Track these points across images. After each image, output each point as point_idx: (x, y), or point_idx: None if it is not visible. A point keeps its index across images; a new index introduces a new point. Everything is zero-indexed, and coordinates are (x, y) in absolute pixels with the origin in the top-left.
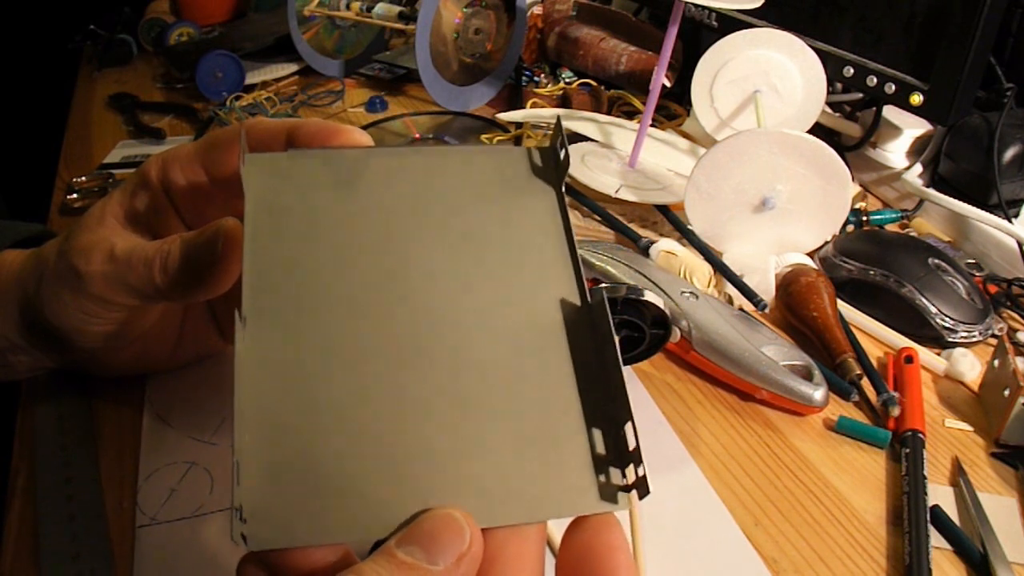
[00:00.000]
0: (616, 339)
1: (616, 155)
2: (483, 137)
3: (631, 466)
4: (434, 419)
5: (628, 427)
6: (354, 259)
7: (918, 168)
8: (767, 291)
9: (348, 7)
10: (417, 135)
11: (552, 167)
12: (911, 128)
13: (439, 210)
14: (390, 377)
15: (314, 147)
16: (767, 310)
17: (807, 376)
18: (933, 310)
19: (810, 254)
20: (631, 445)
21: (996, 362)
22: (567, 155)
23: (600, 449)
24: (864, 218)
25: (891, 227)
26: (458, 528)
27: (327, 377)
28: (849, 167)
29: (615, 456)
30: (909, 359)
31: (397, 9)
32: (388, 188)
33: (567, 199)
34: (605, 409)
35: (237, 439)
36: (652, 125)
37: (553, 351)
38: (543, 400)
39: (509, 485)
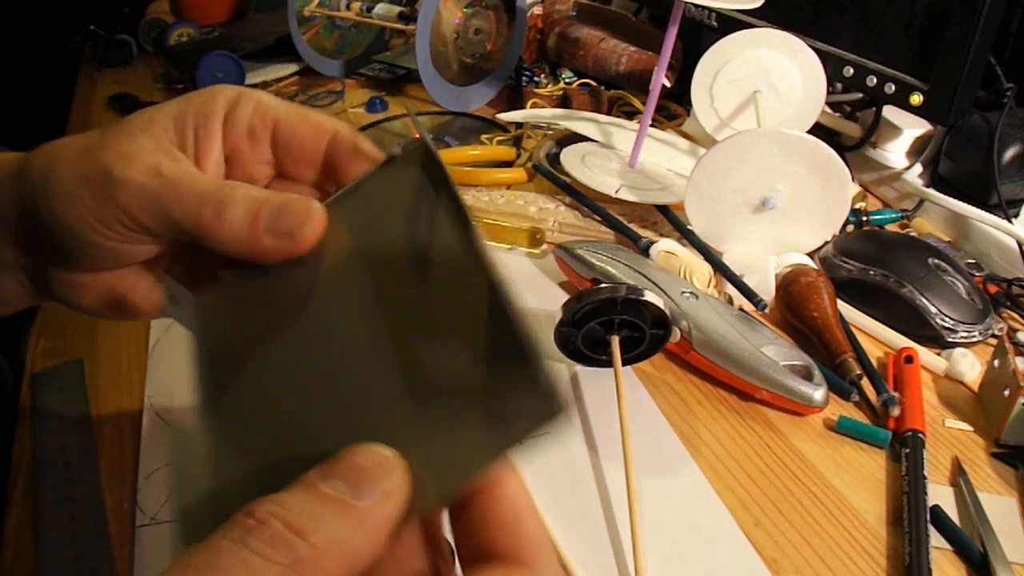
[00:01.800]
0: (473, 227)
1: (616, 155)
2: (483, 137)
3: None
4: (337, 418)
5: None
6: (278, 348)
7: (918, 168)
8: (767, 291)
9: (348, 7)
10: (417, 135)
11: (427, 166)
12: (911, 128)
13: (355, 277)
14: (297, 404)
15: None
16: (767, 310)
17: (807, 376)
18: (933, 310)
19: (810, 254)
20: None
21: (996, 362)
22: (430, 148)
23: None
24: (864, 218)
25: (891, 227)
26: (387, 464)
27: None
28: (849, 167)
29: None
30: (909, 359)
31: (397, 9)
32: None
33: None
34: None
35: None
36: (652, 125)
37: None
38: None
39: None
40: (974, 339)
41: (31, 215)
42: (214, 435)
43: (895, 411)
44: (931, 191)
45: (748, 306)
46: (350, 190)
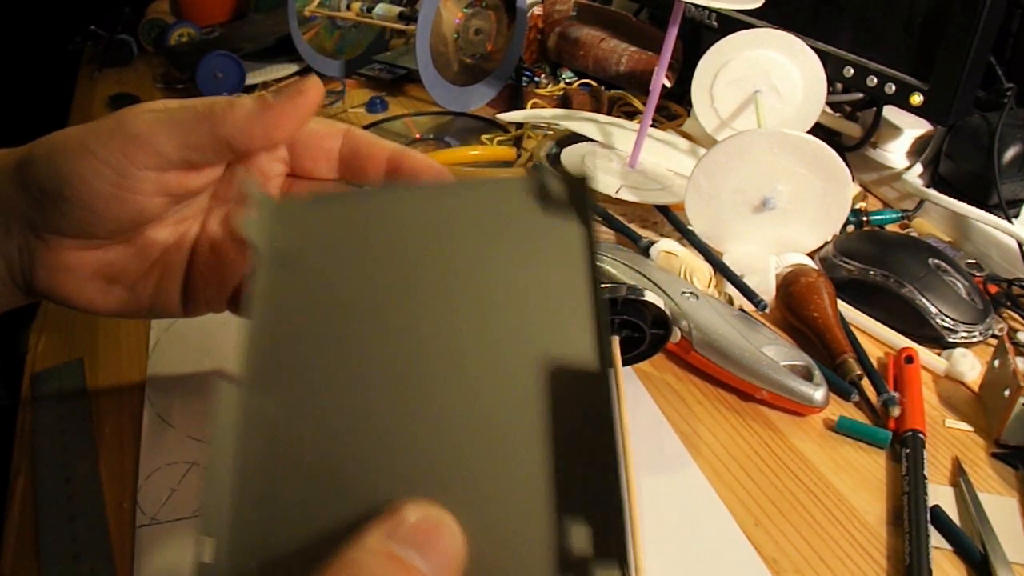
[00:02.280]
0: (616, 414)
1: (616, 155)
2: (484, 137)
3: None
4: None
5: (618, 518)
6: (361, 327)
7: (918, 168)
8: (767, 291)
9: (348, 7)
10: (417, 135)
11: (580, 200)
12: (911, 128)
13: (453, 262)
14: (375, 444)
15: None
16: (767, 310)
17: (807, 376)
18: (933, 310)
19: (810, 254)
20: (618, 542)
21: (996, 362)
22: (590, 187)
23: (571, 543)
24: (864, 218)
25: (891, 227)
26: (450, 528)
27: (312, 443)
28: (849, 167)
29: (591, 552)
30: (909, 359)
31: (397, 9)
32: (401, 241)
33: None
34: (588, 495)
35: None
36: (652, 125)
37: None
38: (516, 480)
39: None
40: (974, 339)
41: (32, 182)
42: (255, 430)
43: (895, 411)
44: (931, 191)
45: (748, 306)
46: (457, 184)
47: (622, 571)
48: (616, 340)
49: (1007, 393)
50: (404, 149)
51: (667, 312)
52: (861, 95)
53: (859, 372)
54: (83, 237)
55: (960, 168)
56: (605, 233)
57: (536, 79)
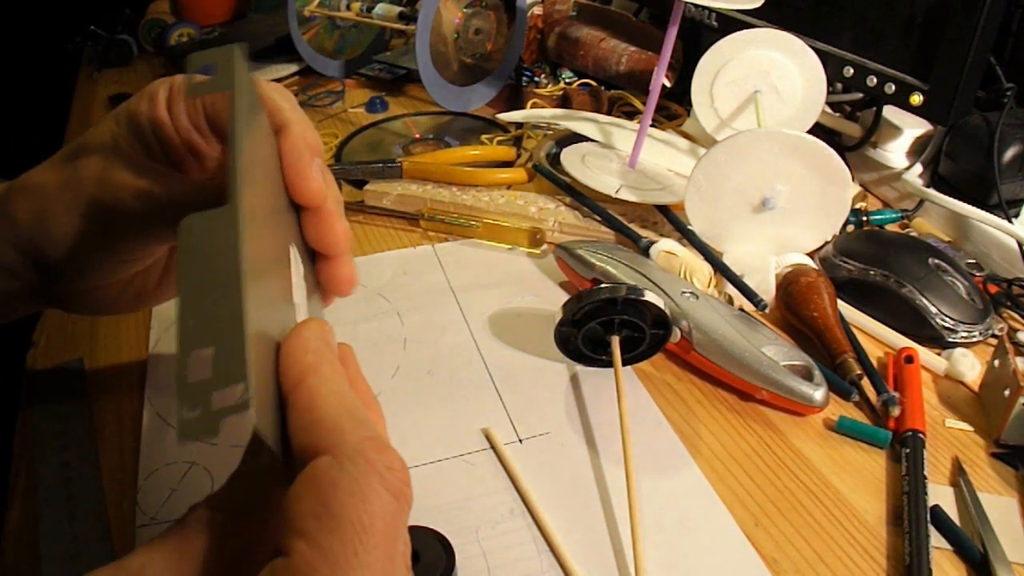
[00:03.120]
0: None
1: (616, 155)
2: (484, 137)
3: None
4: None
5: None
6: None
7: (918, 168)
8: (767, 291)
9: (348, 7)
10: (417, 135)
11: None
12: (911, 128)
13: None
14: None
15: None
16: (767, 310)
17: (807, 376)
18: (933, 310)
19: (810, 254)
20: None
21: (996, 362)
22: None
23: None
24: (864, 218)
25: (891, 227)
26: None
27: None
28: (849, 167)
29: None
30: (909, 359)
31: (397, 9)
32: None
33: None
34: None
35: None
36: (652, 125)
37: None
38: None
39: None
40: (974, 339)
41: (38, 259)
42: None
43: (895, 411)
44: (931, 191)
45: (748, 306)
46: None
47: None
48: (616, 340)
49: (1007, 393)
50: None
51: (667, 312)
52: (861, 95)
53: (859, 372)
54: (99, 278)
55: (960, 168)
56: (605, 233)
57: (536, 79)
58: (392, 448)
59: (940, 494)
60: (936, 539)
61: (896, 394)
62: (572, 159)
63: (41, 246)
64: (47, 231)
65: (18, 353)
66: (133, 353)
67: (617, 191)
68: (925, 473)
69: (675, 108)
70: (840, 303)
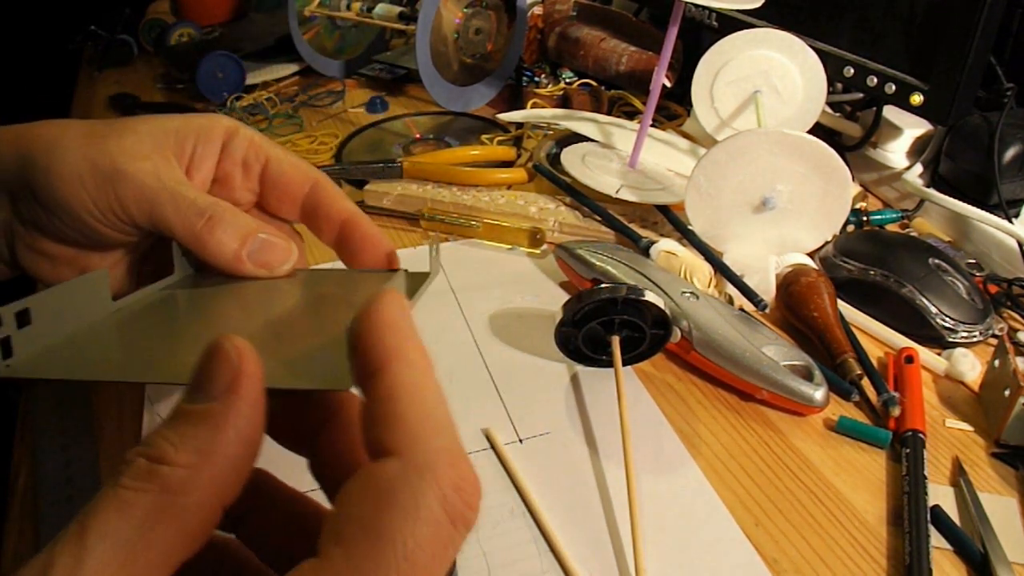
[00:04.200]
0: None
1: (616, 155)
2: (484, 137)
3: None
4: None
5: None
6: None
7: (918, 168)
8: (767, 291)
9: (348, 7)
10: (418, 135)
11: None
12: (911, 128)
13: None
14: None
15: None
16: (767, 310)
17: (807, 376)
18: (933, 310)
19: (810, 254)
20: None
21: (996, 362)
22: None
23: None
24: (864, 218)
25: (891, 227)
26: (232, 354)
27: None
28: (849, 167)
29: None
30: (909, 359)
31: (397, 9)
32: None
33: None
34: None
35: None
36: (652, 125)
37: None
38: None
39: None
40: (974, 339)
41: (28, 183)
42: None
43: (895, 411)
44: (931, 191)
45: (748, 306)
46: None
47: None
48: (616, 340)
49: (1007, 393)
50: (359, 217)
51: (667, 312)
52: (861, 95)
53: (859, 372)
54: (61, 243)
55: (960, 168)
56: (605, 233)
57: (536, 79)
58: (466, 460)
59: (940, 494)
60: (936, 539)
61: (896, 394)
62: (572, 159)
63: (39, 180)
64: (51, 166)
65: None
66: None
67: (617, 191)
68: (925, 473)
69: (675, 108)
70: (840, 303)
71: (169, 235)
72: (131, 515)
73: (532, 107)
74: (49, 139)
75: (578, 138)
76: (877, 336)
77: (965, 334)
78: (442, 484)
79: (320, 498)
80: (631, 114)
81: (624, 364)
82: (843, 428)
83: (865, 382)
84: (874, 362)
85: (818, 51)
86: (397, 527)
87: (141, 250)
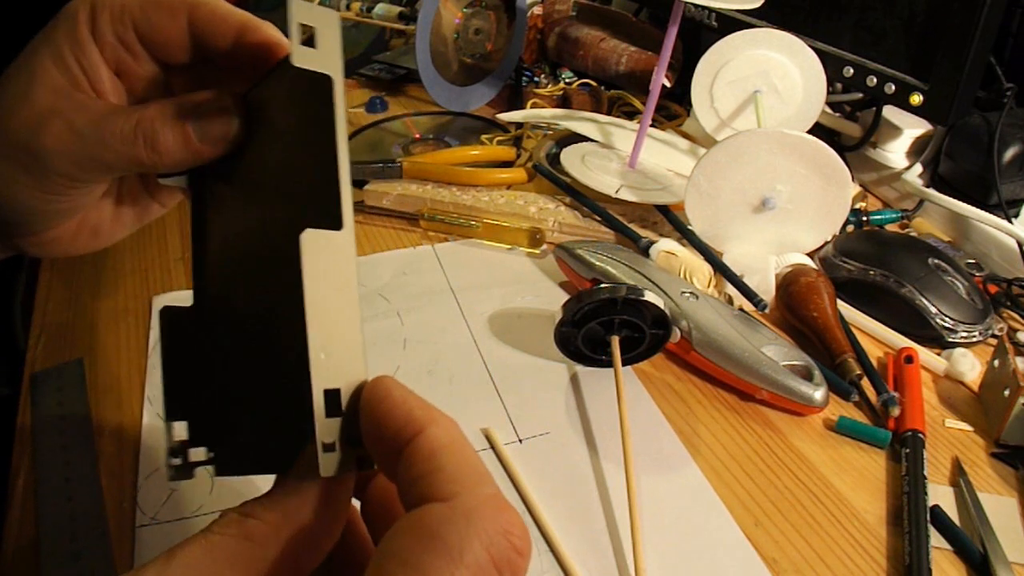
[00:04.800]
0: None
1: (616, 155)
2: (484, 137)
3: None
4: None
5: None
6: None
7: (918, 168)
8: (767, 291)
9: (348, 7)
10: (417, 135)
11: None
12: (911, 128)
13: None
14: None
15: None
16: (767, 310)
17: (807, 376)
18: (933, 310)
19: (810, 254)
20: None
21: (996, 362)
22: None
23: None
24: (864, 218)
25: (891, 227)
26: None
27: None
28: (849, 167)
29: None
30: (909, 359)
31: (397, 9)
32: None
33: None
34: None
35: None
36: (652, 125)
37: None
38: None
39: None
40: (974, 339)
41: None
42: None
43: (895, 411)
44: (931, 191)
45: (748, 306)
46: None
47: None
48: (616, 340)
49: (1007, 393)
50: (248, 23)
51: (667, 312)
52: (861, 95)
53: (859, 372)
54: (47, 230)
55: (960, 168)
56: (605, 233)
57: (536, 79)
58: (512, 509)
59: (940, 494)
60: (936, 539)
61: (896, 394)
62: (572, 159)
63: None
64: None
65: (18, 353)
66: (133, 353)
67: (617, 191)
68: (925, 473)
69: (675, 108)
70: (840, 303)
71: (121, 172)
72: (213, 554)
73: (532, 107)
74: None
75: (578, 138)
76: (877, 336)
77: (965, 334)
78: (488, 529)
79: None
80: (631, 114)
81: (624, 364)
82: (843, 428)
83: (865, 382)
84: (874, 362)
85: (818, 51)
86: (440, 568)
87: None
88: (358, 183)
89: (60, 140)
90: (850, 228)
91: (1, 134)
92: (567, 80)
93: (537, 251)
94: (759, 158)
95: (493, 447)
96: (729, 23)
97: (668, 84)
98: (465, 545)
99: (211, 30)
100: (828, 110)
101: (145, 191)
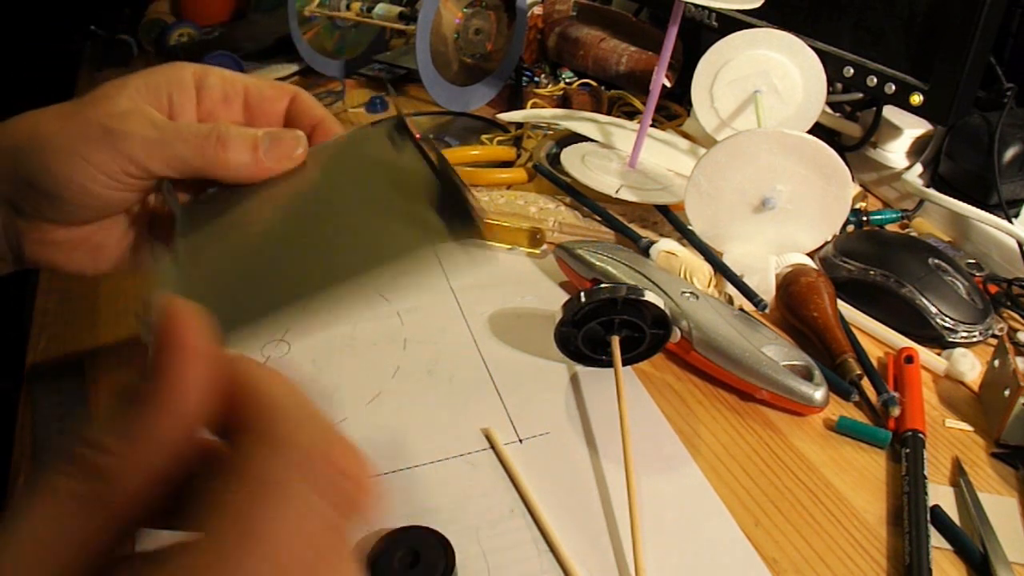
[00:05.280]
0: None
1: (616, 155)
2: (484, 137)
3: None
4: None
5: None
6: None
7: (918, 168)
8: (767, 291)
9: (348, 7)
10: (417, 135)
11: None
12: (911, 128)
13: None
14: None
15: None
16: (767, 310)
17: (807, 376)
18: (933, 310)
19: (810, 254)
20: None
21: (996, 362)
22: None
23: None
24: (864, 218)
25: (891, 227)
26: (178, 321)
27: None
28: (849, 167)
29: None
30: (909, 359)
31: (397, 9)
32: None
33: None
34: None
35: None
36: (652, 125)
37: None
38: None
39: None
40: (974, 339)
41: (24, 178)
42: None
43: (895, 411)
44: (931, 191)
45: (748, 306)
46: (326, 144)
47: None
48: (616, 340)
49: (1007, 393)
50: (326, 119)
51: (667, 312)
52: (861, 95)
53: (859, 372)
54: (69, 224)
55: (960, 168)
56: (605, 233)
57: (536, 79)
58: (350, 446)
59: (940, 494)
60: (936, 539)
61: (896, 394)
62: (572, 159)
63: (30, 168)
64: (40, 152)
65: (18, 354)
66: (133, 353)
67: (617, 191)
68: (925, 473)
69: (675, 108)
70: (840, 303)
71: (183, 171)
72: (55, 502)
73: (532, 107)
74: (28, 131)
75: (578, 138)
76: (877, 336)
77: (965, 334)
78: (313, 466)
79: None
80: (631, 114)
81: (624, 364)
82: (843, 428)
83: (865, 382)
84: (874, 362)
85: (818, 51)
86: (260, 513)
87: (146, 212)
88: None
89: (142, 128)
90: (850, 228)
91: (83, 115)
92: (567, 80)
93: (537, 251)
94: (759, 158)
95: (493, 447)
96: (729, 23)
97: (668, 84)
98: (290, 487)
99: (298, 118)
100: (828, 110)
101: (149, 236)
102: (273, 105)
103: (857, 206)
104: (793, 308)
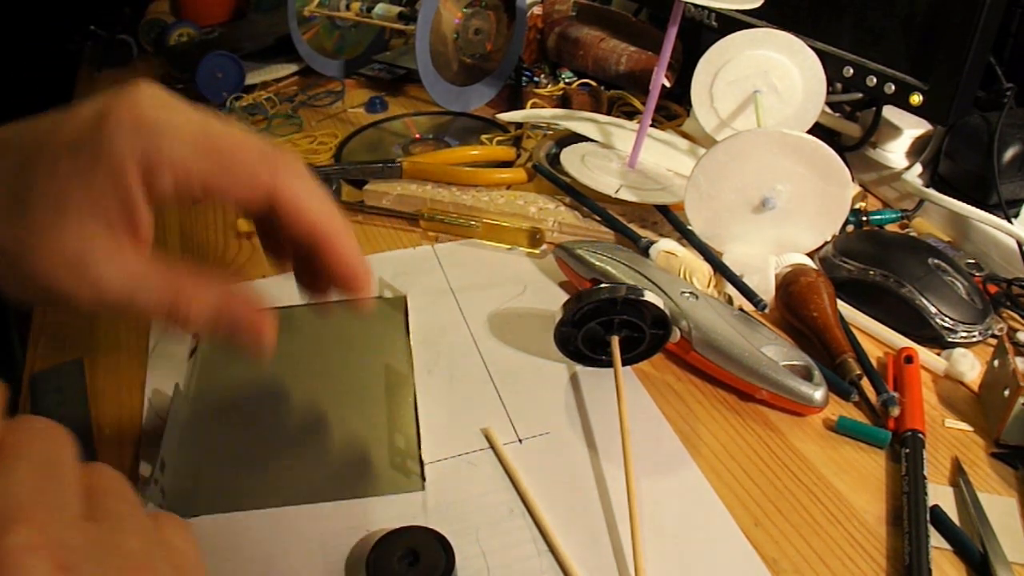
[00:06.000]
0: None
1: (616, 155)
2: (483, 137)
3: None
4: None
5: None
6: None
7: (918, 168)
8: (767, 291)
9: (348, 7)
10: (417, 135)
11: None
12: (911, 128)
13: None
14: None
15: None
16: (767, 310)
17: (807, 376)
18: (933, 310)
19: (810, 254)
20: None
21: (996, 362)
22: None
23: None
24: (864, 218)
25: (891, 227)
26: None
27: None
28: (849, 167)
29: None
30: (909, 359)
31: (397, 9)
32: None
33: None
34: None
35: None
36: (652, 125)
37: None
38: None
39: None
40: (974, 339)
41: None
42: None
43: (895, 411)
44: (931, 191)
45: (748, 306)
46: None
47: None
48: (616, 340)
49: (1007, 393)
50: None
51: (667, 312)
52: (861, 95)
53: (859, 372)
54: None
55: (960, 168)
56: (605, 233)
57: (536, 79)
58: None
59: (940, 494)
60: (936, 539)
61: (896, 394)
62: (572, 159)
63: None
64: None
65: (18, 354)
66: (133, 353)
67: (617, 191)
68: (925, 473)
69: (675, 108)
70: (840, 303)
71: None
72: None
73: (532, 107)
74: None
75: (578, 138)
76: (877, 336)
77: (964, 334)
78: None
79: None
80: (631, 114)
81: (624, 364)
82: (843, 428)
83: (865, 382)
84: (874, 362)
85: (818, 51)
86: None
87: None
88: (358, 183)
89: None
90: (850, 228)
91: (27, 268)
92: (567, 80)
93: (537, 251)
94: (759, 158)
95: (493, 447)
96: (729, 23)
97: (668, 84)
98: None
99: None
100: (828, 110)
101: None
102: (249, 200)
103: (857, 206)
104: (793, 308)
